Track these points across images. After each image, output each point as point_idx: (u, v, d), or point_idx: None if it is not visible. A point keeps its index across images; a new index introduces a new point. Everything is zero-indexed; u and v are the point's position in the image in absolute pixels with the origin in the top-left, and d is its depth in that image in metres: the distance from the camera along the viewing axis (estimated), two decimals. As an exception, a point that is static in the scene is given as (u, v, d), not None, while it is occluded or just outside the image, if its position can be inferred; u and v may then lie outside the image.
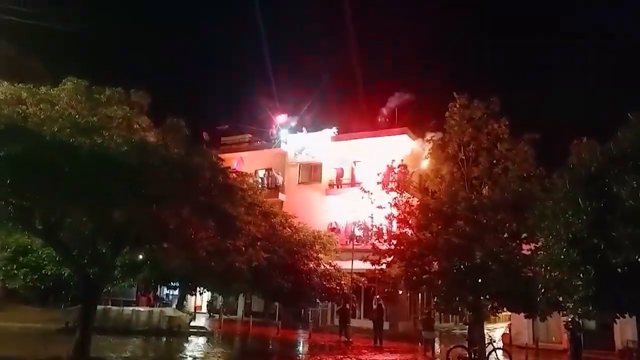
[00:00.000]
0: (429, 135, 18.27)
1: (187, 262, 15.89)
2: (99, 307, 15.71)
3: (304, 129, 32.19)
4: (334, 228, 27.49)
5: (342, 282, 22.66)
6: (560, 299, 10.63)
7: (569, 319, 14.37)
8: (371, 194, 17.93)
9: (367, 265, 17.68)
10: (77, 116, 10.78)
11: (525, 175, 15.03)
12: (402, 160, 18.64)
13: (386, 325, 22.15)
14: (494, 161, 15.53)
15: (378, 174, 17.96)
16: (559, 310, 12.18)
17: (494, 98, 15.93)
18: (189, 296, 26.59)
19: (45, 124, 10.14)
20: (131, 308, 20.54)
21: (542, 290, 11.30)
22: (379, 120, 30.26)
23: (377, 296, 21.85)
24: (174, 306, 24.12)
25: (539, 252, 11.67)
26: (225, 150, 30.76)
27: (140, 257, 17.89)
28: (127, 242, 13.10)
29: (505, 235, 14.61)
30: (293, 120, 33.19)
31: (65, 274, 18.31)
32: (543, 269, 10.90)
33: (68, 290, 21.67)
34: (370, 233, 17.94)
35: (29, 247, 19.01)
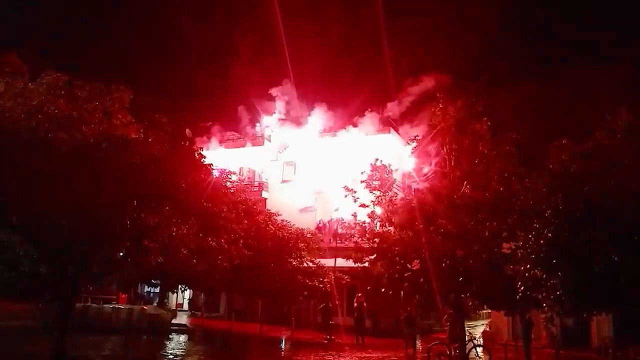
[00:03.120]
0: (412, 135, 18.38)
1: (168, 260, 15.75)
2: (78, 305, 15.49)
3: (288, 126, 32.12)
4: (322, 226, 27.51)
5: (325, 280, 22.68)
6: (540, 296, 10.80)
7: (548, 317, 14.62)
8: (355, 192, 17.96)
9: (350, 263, 17.71)
10: (56, 111, 10.58)
11: (506, 175, 15.19)
12: (380, 161, 18.66)
13: (368, 323, 22.24)
14: (476, 161, 15.66)
15: (362, 173, 17.99)
16: (538, 307, 12.37)
17: (476, 98, 16.08)
18: (170, 294, 26.37)
19: (23, 119, 9.93)
20: (111, 305, 20.28)
21: (522, 288, 11.45)
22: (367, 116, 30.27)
23: (359, 294, 21.92)
24: (155, 304, 23.89)
25: (519, 251, 11.82)
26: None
27: (120, 254, 17.66)
28: (107, 239, 12.92)
29: (487, 233, 14.75)
30: (278, 117, 33.10)
31: (44, 272, 17.96)
32: (523, 267, 11.06)
33: (46, 288, 21.25)
34: (353, 231, 17.95)
35: (6, 244, 18.57)
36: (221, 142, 33.82)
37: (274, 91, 31.92)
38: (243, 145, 33.23)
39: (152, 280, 22.07)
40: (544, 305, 10.98)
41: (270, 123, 33.50)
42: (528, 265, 10.81)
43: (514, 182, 14.85)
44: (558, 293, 10.04)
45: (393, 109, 29.32)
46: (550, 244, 10.12)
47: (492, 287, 13.95)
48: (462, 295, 15.10)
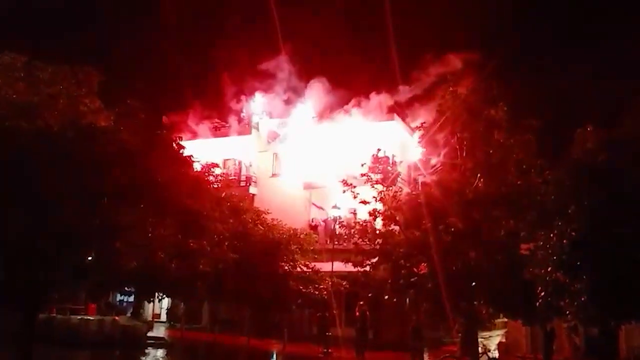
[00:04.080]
0: (419, 122, 18.39)
1: (144, 264, 15.72)
2: (42, 316, 15.45)
3: (279, 112, 32.05)
4: (315, 225, 27.53)
5: (321, 286, 22.70)
6: (562, 303, 10.86)
7: (571, 326, 14.73)
8: (354, 187, 17.97)
9: (350, 268, 17.75)
10: (14, 96, 10.51)
11: (524, 167, 15.25)
12: (384, 151, 18.65)
13: (370, 334, 22.33)
14: (490, 151, 15.70)
15: (362, 165, 18.00)
16: (560, 316, 12.45)
17: (491, 81, 16.13)
18: (146, 303, 26.34)
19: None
20: (79, 316, 20.27)
21: (542, 294, 11.51)
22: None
23: (361, 302, 22.00)
24: (128, 314, 23.88)
25: (539, 252, 11.88)
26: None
27: (90, 258, 17.61)
28: (74, 241, 12.89)
29: (502, 233, 14.83)
30: (267, 102, 32.99)
31: (3, 278, 17.89)
32: (543, 271, 11.11)
33: (7, 296, 21.20)
34: (352, 231, 17.99)
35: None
36: (203, 131, 33.72)
37: (264, 66, 31.68)
38: (228, 135, 33.16)
39: (125, 288, 21.95)
40: (567, 313, 11.05)
41: (258, 109, 33.39)
42: (549, 269, 10.87)
43: (533, 175, 14.93)
44: (582, 299, 10.11)
45: (398, 93, 29.27)
46: (574, 245, 10.18)
47: (509, 293, 14.04)
48: (475, 303, 15.19)
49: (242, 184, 31.16)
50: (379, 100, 29.79)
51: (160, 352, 19.03)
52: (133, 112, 12.23)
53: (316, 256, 23.65)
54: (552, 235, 10.90)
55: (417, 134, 17.74)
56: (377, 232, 16.87)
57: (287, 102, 32.35)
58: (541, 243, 11.76)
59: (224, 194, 20.76)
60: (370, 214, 17.14)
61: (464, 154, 16.14)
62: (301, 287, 22.28)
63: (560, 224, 10.76)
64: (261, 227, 22.27)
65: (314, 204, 28.75)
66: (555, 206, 11.11)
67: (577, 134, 11.46)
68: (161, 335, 23.05)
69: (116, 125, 11.82)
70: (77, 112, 11.25)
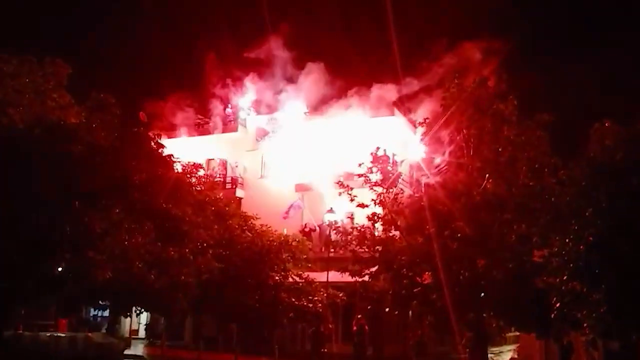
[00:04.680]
0: (422, 117, 18.41)
1: (119, 275, 15.66)
2: (7, 333, 15.34)
3: (267, 107, 31.98)
4: (308, 231, 27.49)
5: (315, 298, 22.67)
6: (579, 315, 10.88)
7: (589, 340, 14.77)
8: (351, 189, 17.96)
9: (347, 278, 17.72)
10: (-25, 90, 10.46)
11: (537, 166, 15.29)
12: (383, 149, 18.63)
13: (369, 350, 22.31)
14: (500, 149, 15.74)
15: (360, 165, 17.99)
16: (577, 328, 12.47)
17: (500, 73, 16.17)
18: (122, 318, 26.19)
19: None
20: (48, 333, 20.14)
21: (557, 305, 11.54)
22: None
23: (359, 315, 21.97)
24: (103, 330, 23.74)
25: (553, 259, 11.90)
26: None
27: (60, 269, 17.53)
28: (43, 249, 12.81)
29: (513, 238, 14.86)
30: (255, 96, 32.90)
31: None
32: (558, 279, 11.13)
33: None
34: (350, 237, 17.98)
35: None
36: (185, 127, 33.60)
37: (252, 53, 31.51)
38: (212, 132, 33.06)
39: (100, 301, 21.88)
40: (585, 325, 11.08)
41: (245, 104, 33.31)
42: (565, 277, 10.90)
43: (546, 175, 14.97)
44: (602, 310, 10.13)
45: (399, 85, 29.26)
46: (591, 250, 10.21)
47: (521, 303, 14.06)
48: (484, 315, 15.20)
49: (228, 186, 31.04)
50: (379, 93, 29.73)
51: (138, 372, 18.94)
52: (106, 106, 12.23)
53: (310, 265, 23.62)
54: (567, 240, 10.94)
55: (420, 130, 17.74)
56: (377, 238, 16.86)
57: (278, 96, 32.21)
58: (556, 249, 11.79)
59: (207, 198, 20.73)
60: (369, 218, 17.13)
61: (471, 153, 16.17)
62: (293, 299, 22.25)
63: (576, 227, 10.80)
64: (249, 234, 22.24)
65: (297, 205, 28.71)
66: (570, 208, 11.14)
67: (593, 130, 11.50)
68: (139, 354, 22.95)
69: (87, 121, 11.81)
70: (44, 108, 11.23)
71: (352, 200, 17.66)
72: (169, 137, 30.02)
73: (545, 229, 13.03)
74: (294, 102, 31.17)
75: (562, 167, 14.35)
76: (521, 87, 17.02)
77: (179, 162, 19.33)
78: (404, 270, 15.90)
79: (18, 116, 10.30)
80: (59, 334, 20.35)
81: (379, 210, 17.04)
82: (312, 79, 30.59)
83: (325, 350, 21.89)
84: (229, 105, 33.27)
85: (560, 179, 13.73)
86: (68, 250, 13.61)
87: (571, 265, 10.66)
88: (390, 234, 16.83)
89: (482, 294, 14.70)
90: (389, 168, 17.74)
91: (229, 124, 32.79)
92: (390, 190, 17.11)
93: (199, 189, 20.66)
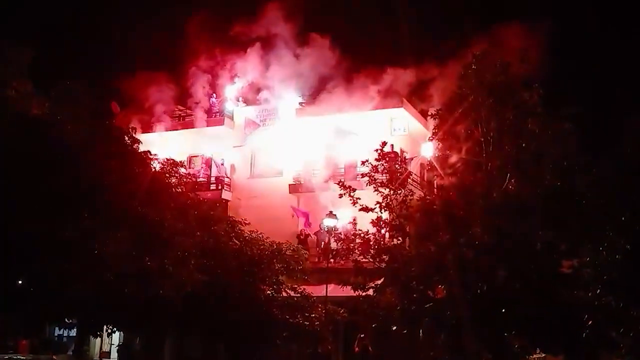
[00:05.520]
0: (434, 109, 18.40)
1: (89, 289, 15.64)
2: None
3: (258, 98, 31.92)
4: (305, 239, 27.51)
5: (313, 315, 22.69)
6: (614, 333, 10.90)
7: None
8: (354, 190, 17.97)
9: (348, 291, 17.71)
10: None
11: (565, 164, 15.31)
12: (391, 146, 18.71)
13: (374, 375, 22.33)
14: (523, 144, 15.76)
15: (364, 163, 18.00)
16: (612, 349, 12.49)
17: (526, 58, 16.15)
18: (91, 338, 26.18)
19: None
20: (7, 356, 20.11)
21: (589, 323, 11.55)
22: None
23: (362, 335, 21.98)
24: (69, 352, 23.74)
25: (584, 270, 11.91)
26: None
27: (20, 282, 17.51)
28: (2, 260, 12.81)
29: (538, 246, 14.87)
30: (243, 86, 32.83)
31: None
32: (590, 293, 11.14)
33: None
34: (352, 246, 17.99)
35: None
36: (163, 120, 33.55)
37: (240, 32, 31.33)
38: (194, 126, 33.01)
39: (66, 319, 21.88)
40: (621, 346, 11.10)
41: (233, 93, 33.26)
42: (598, 290, 10.91)
43: (576, 174, 14.97)
44: (640, 328, 10.15)
45: (410, 71, 29.17)
46: (628, 260, 10.22)
47: (547, 321, 14.07)
48: (505, 334, 15.21)
49: (213, 187, 31.01)
50: (387, 80, 29.63)
51: (110, 400, 18.93)
52: (74, 96, 12.19)
53: (306, 277, 23.63)
54: (601, 248, 10.95)
55: (432, 124, 17.75)
56: (383, 246, 16.86)
57: (270, 84, 32.06)
58: (587, 259, 11.82)
59: (189, 200, 20.72)
60: (373, 224, 17.12)
61: (490, 149, 16.18)
62: (287, 317, 22.26)
63: (610, 234, 10.81)
64: (237, 241, 22.22)
65: (295, 208, 28.76)
66: (604, 212, 11.15)
67: (628, 123, 11.53)
68: (112, 378, 22.91)
69: (53, 113, 11.77)
70: (3, 99, 11.20)
71: (354, 203, 17.66)
72: (146, 132, 30.10)
73: (575, 236, 13.04)
74: (289, 91, 31.09)
75: (593, 166, 14.37)
76: (548, 74, 17.03)
77: (157, 159, 19.34)
78: (414, 283, 15.90)
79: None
80: (18, 357, 20.32)
81: (385, 214, 17.04)
82: (310, 63, 30.42)
83: (324, 374, 21.92)
84: (214, 95, 33.15)
85: (592, 179, 13.76)
86: (32, 260, 13.60)
87: (605, 277, 10.69)
88: (398, 242, 16.83)
89: (503, 310, 14.70)
90: (397, 167, 17.76)
91: (214, 116, 32.68)
92: (398, 191, 17.11)
93: (179, 190, 20.64)
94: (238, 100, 32.78)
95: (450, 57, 24.08)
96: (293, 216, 28.31)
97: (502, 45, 17.13)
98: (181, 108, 34.07)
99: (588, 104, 15.94)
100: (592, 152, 15.06)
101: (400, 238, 16.86)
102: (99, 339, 27.83)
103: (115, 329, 22.49)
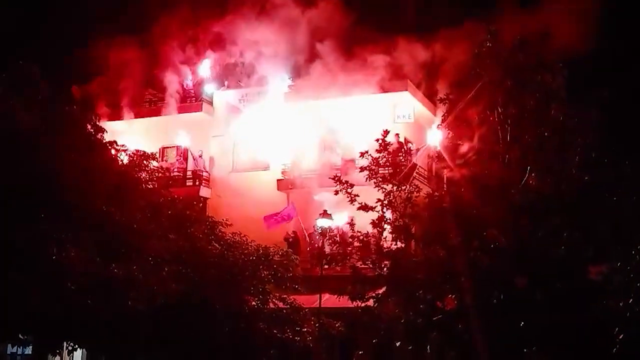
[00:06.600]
0: (443, 92, 18.43)
1: (47, 301, 15.65)
2: None
3: (242, 78, 31.87)
4: (295, 242, 27.56)
5: (304, 329, 22.76)
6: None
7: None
8: (351, 186, 18.00)
9: (345, 302, 17.76)
10: None
11: (593, 155, 15.36)
12: (396, 135, 18.75)
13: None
14: (545, 133, 15.79)
15: (362, 155, 18.03)
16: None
17: (548, 31, 16.16)
18: (50, 356, 26.19)
19: None
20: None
21: (621, 337, 11.61)
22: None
23: (360, 352, 22.06)
24: (25, 373, 23.73)
25: (615, 277, 11.97)
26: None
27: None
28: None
29: (562, 250, 14.93)
30: (225, 65, 32.77)
31: None
32: (622, 303, 11.20)
33: None
34: (349, 249, 18.02)
35: None
36: (132, 106, 33.47)
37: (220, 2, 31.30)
38: (168, 112, 32.95)
39: (20, 335, 21.91)
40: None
41: (211, 74, 33.21)
42: (630, 300, 10.97)
43: (605, 168, 15.02)
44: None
45: (415, 48, 29.17)
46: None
47: (572, 335, 14.15)
48: (525, 350, 15.28)
49: (189, 182, 31.06)
50: (389, 60, 29.62)
51: None
52: (28, 78, 12.18)
53: (297, 286, 23.67)
54: (633, 252, 11.01)
55: (441, 109, 17.77)
56: (385, 250, 16.90)
57: (255, 63, 31.96)
58: (618, 264, 11.86)
59: (162, 198, 20.72)
60: (374, 224, 17.15)
61: (508, 138, 16.21)
62: (275, 331, 22.32)
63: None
64: (217, 245, 22.23)
65: (289, 211, 28.74)
66: (636, 212, 11.21)
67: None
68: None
69: (4, 97, 11.77)
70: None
71: (352, 201, 17.70)
72: (111, 119, 30.00)
73: (604, 238, 13.10)
74: (277, 72, 31.03)
75: (625, 158, 14.42)
76: (574, 52, 17.05)
77: (125, 151, 19.32)
78: (420, 292, 15.94)
79: None
80: (-33, 378, 20.36)
81: (387, 214, 17.08)
82: (300, 39, 30.33)
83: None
84: (189, 76, 33.06)
85: (623, 174, 13.81)
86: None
87: (638, 284, 10.75)
88: (402, 245, 16.87)
89: (522, 323, 14.78)
90: (401, 158, 17.79)
91: (190, 102, 32.60)
92: (402, 187, 17.14)
93: (150, 186, 20.65)
94: (218, 83, 32.65)
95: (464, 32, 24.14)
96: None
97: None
98: (153, 92, 33.96)
99: (621, 88, 15.94)
100: (623, 144, 15.11)
101: (404, 241, 16.90)
102: (58, 358, 27.85)
103: (76, 346, 22.51)
